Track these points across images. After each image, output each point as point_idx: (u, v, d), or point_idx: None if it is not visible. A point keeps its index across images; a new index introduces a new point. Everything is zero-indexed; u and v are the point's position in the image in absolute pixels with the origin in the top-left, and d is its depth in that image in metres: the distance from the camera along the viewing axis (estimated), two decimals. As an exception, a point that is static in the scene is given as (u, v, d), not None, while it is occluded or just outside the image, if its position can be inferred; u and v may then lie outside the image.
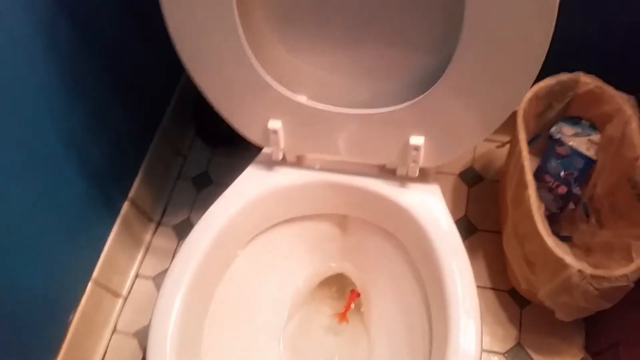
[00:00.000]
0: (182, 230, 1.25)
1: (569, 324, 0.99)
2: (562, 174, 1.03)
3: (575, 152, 1.03)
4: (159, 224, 1.26)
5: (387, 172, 0.78)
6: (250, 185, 0.79)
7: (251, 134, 0.77)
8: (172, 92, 1.29)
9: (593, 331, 1.03)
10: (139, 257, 1.21)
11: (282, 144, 0.76)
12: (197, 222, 1.20)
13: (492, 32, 0.57)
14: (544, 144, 1.06)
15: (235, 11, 0.63)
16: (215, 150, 1.35)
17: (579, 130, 1.03)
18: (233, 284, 0.81)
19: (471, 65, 0.60)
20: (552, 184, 1.04)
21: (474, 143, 0.69)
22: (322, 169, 0.80)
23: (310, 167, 0.80)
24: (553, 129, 1.05)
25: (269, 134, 0.75)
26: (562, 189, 1.03)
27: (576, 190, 1.02)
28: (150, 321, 0.68)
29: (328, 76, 0.72)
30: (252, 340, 0.85)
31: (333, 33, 0.68)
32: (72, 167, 0.97)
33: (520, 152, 0.91)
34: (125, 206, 1.14)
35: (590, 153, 1.02)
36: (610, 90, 0.94)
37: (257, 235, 0.83)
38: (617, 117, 0.94)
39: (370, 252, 0.89)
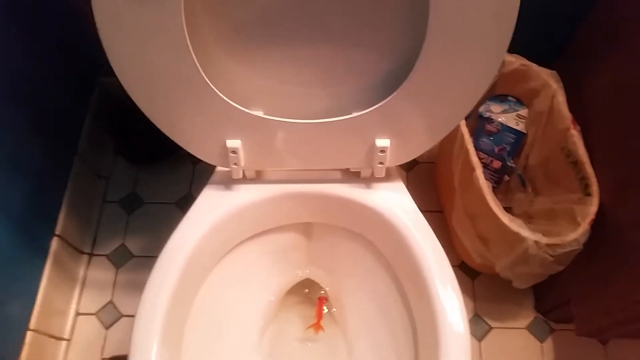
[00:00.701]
0: (119, 258, 1.17)
1: (517, 289, 1.05)
2: (495, 149, 1.08)
3: (506, 128, 1.08)
4: (91, 255, 1.17)
5: (350, 175, 0.77)
6: (211, 207, 0.75)
7: (207, 155, 0.72)
8: (84, 113, 1.18)
9: (541, 292, 1.11)
10: (76, 294, 1.12)
11: (242, 163, 0.72)
12: (134, 247, 1.16)
13: (456, 35, 0.57)
14: (475, 124, 1.10)
15: (184, 27, 0.58)
16: (139, 168, 1.27)
17: (506, 106, 1.08)
18: (204, 309, 0.77)
19: (436, 67, 0.60)
20: (487, 160, 1.08)
21: (439, 138, 0.70)
22: (283, 180, 0.77)
23: (270, 180, 0.77)
24: (481, 108, 1.09)
25: (228, 153, 0.71)
26: (497, 164, 1.08)
27: (510, 163, 1.07)
28: (129, 354, 0.64)
29: (284, 87, 0.69)
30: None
31: (286, 44, 0.65)
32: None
33: (462, 136, 0.94)
34: (54, 243, 1.04)
35: (520, 127, 1.07)
36: (534, 67, 0.99)
37: (223, 255, 0.79)
38: (543, 92, 1.00)
39: (337, 254, 0.89)
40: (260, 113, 0.68)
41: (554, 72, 0.98)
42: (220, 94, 0.64)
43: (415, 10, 0.60)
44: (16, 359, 0.93)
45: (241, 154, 0.71)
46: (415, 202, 1.20)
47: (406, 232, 0.73)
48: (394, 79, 0.65)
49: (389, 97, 0.64)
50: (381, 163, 0.72)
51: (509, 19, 0.56)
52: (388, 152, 0.70)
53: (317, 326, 0.89)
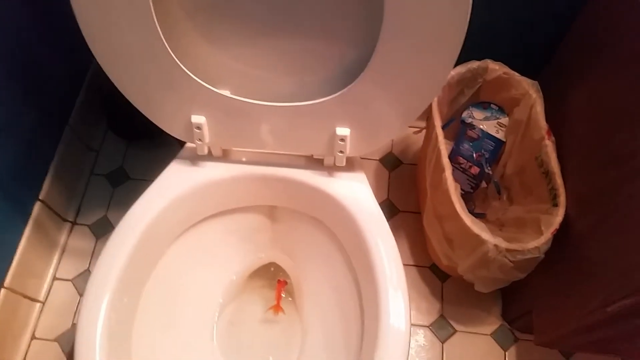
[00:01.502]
0: (100, 229, 1.20)
1: (486, 295, 1.06)
2: (474, 155, 1.09)
3: (486, 135, 1.09)
4: (74, 223, 1.20)
5: (314, 163, 0.79)
6: (175, 181, 0.77)
7: (174, 130, 0.75)
8: (80, 83, 1.22)
9: (508, 300, 1.11)
10: (55, 259, 1.15)
11: (206, 139, 0.75)
12: (115, 220, 1.19)
13: (412, 24, 0.59)
14: (457, 128, 1.11)
15: (150, 1, 0.60)
16: (129, 144, 1.30)
17: (488, 114, 1.09)
18: (162, 282, 0.80)
19: (393, 57, 0.62)
20: (466, 165, 1.09)
21: (398, 131, 0.72)
22: (249, 161, 0.79)
23: (236, 160, 0.80)
24: (464, 114, 1.11)
25: (193, 129, 0.74)
26: (475, 170, 1.09)
27: (488, 170, 1.08)
28: (77, 324, 0.66)
29: (250, 69, 0.72)
30: (184, 336, 0.84)
31: (252, 24, 0.67)
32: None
33: (436, 138, 0.95)
34: (37, 207, 1.08)
35: (500, 135, 1.08)
36: (516, 76, 1.00)
37: (185, 230, 0.82)
38: (523, 101, 1.01)
39: (300, 240, 0.91)
40: (227, 92, 0.71)
41: (536, 82, 0.99)
42: (187, 71, 0.67)
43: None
44: (-12, 314, 0.97)
45: (205, 130, 0.73)
46: (396, 202, 1.23)
47: (362, 224, 0.74)
48: (357, 69, 0.66)
49: (349, 86, 0.66)
50: (341, 152, 0.74)
51: (464, 8, 0.57)
52: (348, 141, 0.72)
53: (277, 307, 0.91)
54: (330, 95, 0.68)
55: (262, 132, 0.74)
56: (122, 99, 1.19)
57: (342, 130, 0.71)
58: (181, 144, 1.28)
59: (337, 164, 0.77)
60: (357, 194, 0.77)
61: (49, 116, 1.11)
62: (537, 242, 0.87)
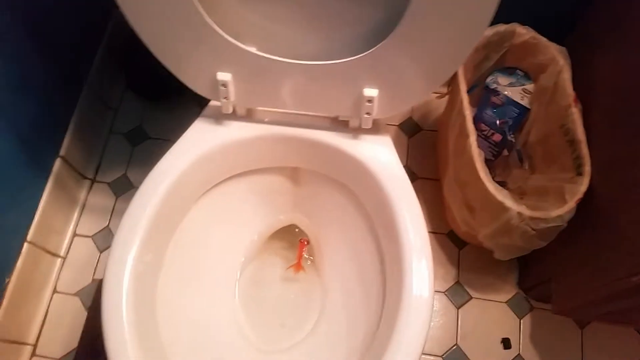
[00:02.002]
0: (119, 187, 1.21)
1: (503, 263, 1.06)
2: (497, 122, 1.07)
3: (510, 101, 1.07)
4: (93, 181, 1.21)
5: (339, 124, 0.78)
6: (200, 140, 0.77)
7: (199, 87, 0.74)
8: (99, 40, 1.21)
9: (525, 269, 1.11)
10: (75, 216, 1.16)
11: (232, 97, 0.74)
12: (135, 178, 1.20)
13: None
14: (481, 94, 1.09)
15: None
16: (148, 103, 1.29)
17: (513, 80, 1.07)
18: (186, 238, 0.80)
19: (426, 15, 0.60)
20: (488, 132, 1.08)
21: (427, 94, 0.71)
22: (274, 121, 0.79)
23: (261, 120, 0.79)
24: (489, 79, 1.09)
25: (218, 86, 0.73)
26: (497, 137, 1.07)
27: (510, 137, 1.07)
28: (104, 277, 0.67)
29: (279, 26, 0.70)
30: (207, 293, 0.85)
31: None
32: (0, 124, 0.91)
33: (461, 102, 0.94)
34: (57, 164, 1.08)
35: (524, 102, 1.06)
36: (544, 41, 0.98)
37: (208, 189, 0.82)
38: (550, 67, 0.98)
39: (321, 202, 0.90)
40: (253, 49, 0.69)
41: (564, 48, 0.97)
42: (215, 26, 0.66)
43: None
44: (12, 267, 0.98)
45: (231, 88, 0.72)
46: (414, 169, 1.22)
47: (388, 189, 0.74)
48: (386, 28, 0.65)
49: (378, 45, 0.65)
50: (368, 113, 0.73)
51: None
52: (375, 102, 0.71)
53: (297, 266, 0.92)
54: (357, 54, 0.67)
55: (288, 92, 0.73)
56: (141, 57, 1.19)
57: (370, 91, 0.70)
58: (201, 104, 1.28)
59: (362, 126, 0.76)
60: (382, 157, 0.76)
61: (68, 73, 1.10)
62: (560, 211, 0.86)
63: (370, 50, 0.65)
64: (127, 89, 1.30)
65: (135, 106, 1.29)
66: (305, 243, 0.93)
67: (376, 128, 0.77)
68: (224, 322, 0.86)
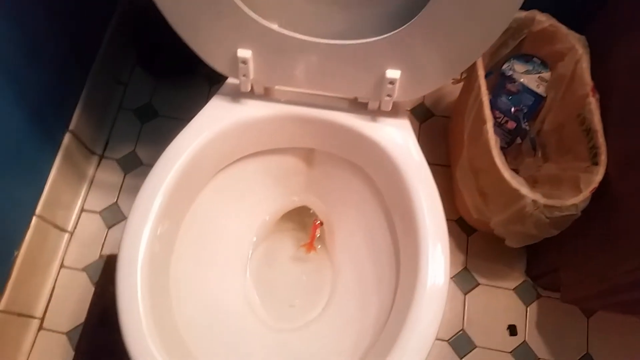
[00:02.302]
0: (128, 164, 1.20)
1: (511, 250, 1.06)
2: (512, 110, 1.06)
3: (526, 89, 1.06)
4: (102, 157, 1.20)
5: (358, 106, 0.77)
6: (217, 117, 0.76)
7: (218, 63, 0.73)
8: (110, 14, 1.19)
9: (534, 257, 1.11)
10: (83, 191, 1.16)
11: (251, 75, 0.73)
12: (144, 155, 1.19)
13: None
14: (496, 81, 1.08)
15: None
16: (157, 80, 1.28)
17: (530, 67, 1.06)
18: (200, 215, 0.80)
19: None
20: (502, 119, 1.07)
21: (449, 78, 0.70)
22: (292, 101, 0.78)
23: (278, 100, 0.78)
24: (505, 66, 1.08)
25: (238, 63, 0.72)
26: (511, 125, 1.07)
27: (525, 125, 1.06)
28: (118, 253, 0.66)
29: (302, 3, 0.69)
30: (218, 271, 0.85)
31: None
32: (9, 99, 0.90)
33: (479, 88, 0.93)
34: (67, 138, 1.07)
35: (540, 90, 1.05)
36: (563, 29, 0.97)
37: (223, 168, 0.81)
38: (568, 56, 0.97)
39: (335, 185, 0.90)
40: (275, 26, 0.68)
41: (583, 37, 0.96)
42: (237, 1, 0.64)
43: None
44: (21, 240, 0.98)
45: (251, 65, 0.71)
46: (425, 155, 1.21)
47: (405, 173, 0.73)
48: (412, 9, 0.64)
49: (406, 25, 0.64)
50: (389, 96, 0.72)
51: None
52: (397, 84, 0.70)
53: (310, 246, 0.92)
54: (381, 34, 0.66)
55: (308, 71, 0.72)
56: (151, 33, 1.18)
57: (393, 73, 0.69)
58: (210, 82, 1.27)
59: (382, 109, 0.75)
60: (401, 140, 0.75)
61: (79, 46, 1.09)
62: (575, 200, 0.86)
63: (397, 30, 0.64)
64: (136, 65, 1.28)
65: (144, 82, 1.27)
66: (319, 224, 0.92)
67: (395, 111, 0.76)
68: (236, 301, 0.86)
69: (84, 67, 1.12)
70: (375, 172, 0.80)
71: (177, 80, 1.27)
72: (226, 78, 0.78)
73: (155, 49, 1.21)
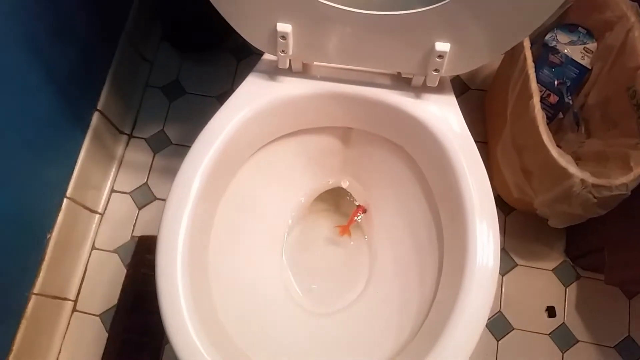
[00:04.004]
0: (157, 143, 1.18)
1: (550, 230, 1.03)
2: (555, 83, 1.02)
3: (570, 61, 1.01)
4: (130, 136, 1.18)
5: (401, 82, 0.73)
6: (253, 96, 0.73)
7: (256, 39, 0.70)
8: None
9: (574, 237, 1.08)
10: (113, 172, 1.14)
11: (290, 50, 0.70)
12: (173, 134, 1.17)
13: None
14: (538, 52, 1.04)
15: None
16: (184, 56, 1.25)
17: (574, 38, 1.01)
18: (236, 199, 0.77)
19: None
20: (544, 93, 1.03)
21: (502, 51, 0.66)
22: (331, 78, 0.74)
23: (317, 77, 0.74)
24: (548, 37, 1.03)
25: (277, 38, 0.68)
26: (554, 99, 1.02)
27: (568, 99, 1.02)
28: (158, 235, 0.64)
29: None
30: (255, 254, 0.83)
31: None
32: (36, 79, 0.87)
33: (524, 60, 0.89)
34: (95, 117, 1.05)
35: (585, 62, 1.01)
36: (614, -4, 0.92)
37: (259, 148, 0.78)
38: (619, 25, 0.92)
39: (373, 166, 0.87)
40: (317, -2, 0.65)
41: (635, 4, 0.90)
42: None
43: None
44: (53, 222, 0.97)
45: (290, 40, 0.68)
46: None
47: (452, 153, 0.69)
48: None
49: (458, -5, 0.60)
50: (436, 70, 0.68)
51: None
52: (446, 58, 0.66)
53: (346, 228, 0.89)
54: (429, 4, 0.62)
55: (352, 45, 0.68)
56: (178, 7, 1.15)
57: (442, 46, 0.65)
58: (238, 58, 1.24)
59: (428, 84, 0.71)
60: (447, 118, 0.71)
61: (104, 22, 1.06)
62: (625, 179, 0.82)
63: (445, 1, 0.60)
64: (162, 41, 1.25)
65: (170, 59, 1.24)
66: (362, 210, 0.89)
67: (441, 87, 0.73)
68: (273, 284, 0.84)
69: (110, 44, 1.09)
70: (417, 151, 0.77)
71: (204, 56, 1.23)
72: (254, 53, 0.75)
73: (182, 23, 1.18)
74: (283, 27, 0.67)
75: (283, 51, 0.69)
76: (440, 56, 0.66)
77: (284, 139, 0.81)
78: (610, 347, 1.03)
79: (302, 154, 0.85)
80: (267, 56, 0.75)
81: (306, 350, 0.78)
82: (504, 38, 0.64)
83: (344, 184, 0.91)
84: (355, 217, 0.89)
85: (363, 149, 0.86)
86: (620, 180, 0.82)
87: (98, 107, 1.06)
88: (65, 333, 1.03)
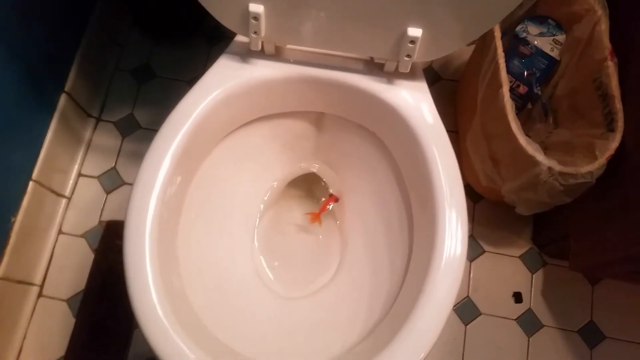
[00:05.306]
0: (126, 127, 1.16)
1: (517, 218, 1.05)
2: (524, 73, 1.03)
3: (539, 52, 1.03)
4: (98, 119, 1.16)
5: (373, 67, 0.74)
6: (224, 78, 0.72)
7: (227, 19, 0.69)
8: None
9: (541, 225, 1.10)
10: (80, 155, 1.12)
11: (262, 32, 0.69)
12: (142, 118, 1.15)
13: None
14: (509, 43, 1.05)
15: None
16: (155, 40, 1.22)
17: (544, 30, 1.03)
18: (206, 182, 0.77)
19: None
20: (514, 83, 1.04)
21: (473, 38, 0.66)
22: (303, 62, 0.74)
23: (290, 60, 0.74)
24: (519, 28, 1.04)
25: (249, 19, 0.67)
26: (523, 89, 1.04)
27: (537, 90, 1.03)
28: (125, 219, 0.63)
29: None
30: (226, 238, 0.83)
31: None
32: (3, 58, 0.85)
33: (495, 50, 0.90)
34: (62, 99, 1.03)
35: (554, 53, 1.02)
36: (582, -11, 0.93)
37: (230, 132, 0.78)
38: (586, 18, 0.94)
39: (345, 151, 0.87)
40: (289, -21, 0.64)
41: (603, -2, 0.92)
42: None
43: None
44: (18, 206, 0.95)
45: (263, 21, 0.67)
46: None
47: (424, 139, 0.70)
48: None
49: (430, -20, 0.60)
50: (409, 56, 0.68)
51: None
52: (418, 43, 0.66)
53: (317, 216, 0.89)
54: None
55: (323, 28, 0.68)
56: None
57: (414, 31, 0.65)
58: (210, 43, 1.22)
59: (400, 70, 0.71)
60: (418, 104, 0.72)
61: (73, 5, 1.03)
62: (591, 167, 0.84)
63: (419, -14, 0.61)
64: (133, 25, 1.22)
65: (142, 43, 1.22)
66: (333, 198, 0.89)
67: (412, 73, 0.73)
68: (244, 268, 0.84)
69: (79, 25, 1.07)
70: (389, 137, 0.77)
71: (176, 41, 1.22)
72: (227, 38, 0.74)
73: (153, 7, 1.16)
74: (255, 7, 0.66)
75: (255, 32, 0.69)
76: (413, 42, 0.66)
77: (256, 123, 0.80)
78: (574, 331, 1.06)
79: (275, 139, 0.85)
80: (239, 38, 0.75)
81: (277, 333, 0.79)
82: (475, 24, 0.64)
83: (315, 169, 0.91)
84: (327, 206, 0.89)
85: (336, 134, 0.86)
86: (585, 169, 0.83)
87: (65, 89, 1.03)
88: (31, 318, 1.01)
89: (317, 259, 0.88)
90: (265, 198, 0.89)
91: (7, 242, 0.92)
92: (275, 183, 0.90)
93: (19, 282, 0.97)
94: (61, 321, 1.01)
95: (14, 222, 0.93)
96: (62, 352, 1.00)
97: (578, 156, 0.90)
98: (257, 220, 0.88)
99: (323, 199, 0.91)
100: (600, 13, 0.91)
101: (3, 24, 0.83)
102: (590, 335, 1.05)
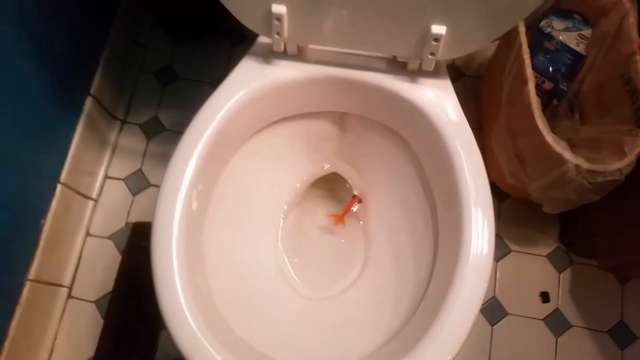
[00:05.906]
0: (151, 129, 1.17)
1: (544, 216, 1.03)
2: (549, 69, 1.02)
3: (564, 47, 1.01)
4: (124, 122, 1.17)
5: (396, 66, 0.73)
6: (248, 79, 0.72)
7: (250, 20, 0.69)
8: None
9: (568, 223, 1.08)
10: (106, 157, 1.14)
11: (285, 33, 0.69)
12: (167, 120, 1.16)
13: None
14: (533, 39, 1.03)
15: None
16: (177, 41, 1.24)
17: (569, 24, 1.01)
18: (231, 184, 0.77)
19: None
20: (539, 79, 1.02)
21: (497, 35, 0.65)
22: (326, 61, 0.74)
23: (312, 60, 0.74)
24: (543, 23, 1.02)
25: (272, 20, 0.68)
26: (549, 85, 1.02)
27: (563, 86, 1.01)
28: (153, 221, 0.64)
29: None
30: (250, 239, 0.83)
31: None
32: (30, 63, 0.87)
33: (520, 46, 0.88)
34: (88, 102, 1.05)
35: (580, 48, 1.00)
36: (609, -19, 0.91)
37: (254, 133, 0.78)
38: (614, 11, 0.92)
39: (369, 151, 0.87)
40: (312, -21, 0.64)
41: (631, -10, 0.90)
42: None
43: None
44: (47, 209, 0.96)
45: (285, 22, 0.67)
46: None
47: (448, 138, 0.69)
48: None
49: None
50: (432, 54, 0.68)
51: None
52: (442, 41, 0.66)
53: (340, 218, 0.89)
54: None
55: (346, 27, 0.68)
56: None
57: (438, 29, 0.65)
58: (233, 43, 1.23)
59: (423, 68, 0.71)
60: (443, 103, 0.71)
61: (97, 6, 1.05)
62: (619, 164, 0.82)
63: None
64: (155, 25, 1.24)
65: (164, 44, 1.23)
66: (358, 201, 0.89)
67: (436, 71, 0.72)
68: (268, 269, 0.84)
69: (103, 27, 1.08)
70: (413, 137, 0.77)
71: (198, 41, 1.23)
72: (249, 38, 0.74)
73: (176, 8, 1.17)
74: (278, 8, 0.66)
75: (278, 33, 0.69)
76: (436, 39, 0.66)
77: (279, 124, 0.80)
78: (604, 331, 1.03)
79: (298, 139, 0.85)
80: (261, 39, 0.75)
81: (301, 334, 0.79)
82: (499, 21, 0.63)
83: (338, 170, 0.91)
84: (351, 208, 0.89)
85: (359, 134, 0.86)
86: (614, 166, 0.82)
87: (91, 92, 1.05)
88: (61, 319, 1.03)
89: (341, 260, 0.88)
90: (289, 199, 0.89)
91: (37, 244, 0.94)
92: (299, 184, 0.90)
93: (50, 283, 0.99)
94: (90, 322, 1.03)
95: (43, 224, 0.95)
96: (91, 352, 1.01)
97: (606, 153, 0.88)
98: (281, 221, 0.88)
99: (346, 200, 0.91)
100: (629, 6, 0.89)
101: (30, 30, 0.85)
102: (621, 335, 1.03)
